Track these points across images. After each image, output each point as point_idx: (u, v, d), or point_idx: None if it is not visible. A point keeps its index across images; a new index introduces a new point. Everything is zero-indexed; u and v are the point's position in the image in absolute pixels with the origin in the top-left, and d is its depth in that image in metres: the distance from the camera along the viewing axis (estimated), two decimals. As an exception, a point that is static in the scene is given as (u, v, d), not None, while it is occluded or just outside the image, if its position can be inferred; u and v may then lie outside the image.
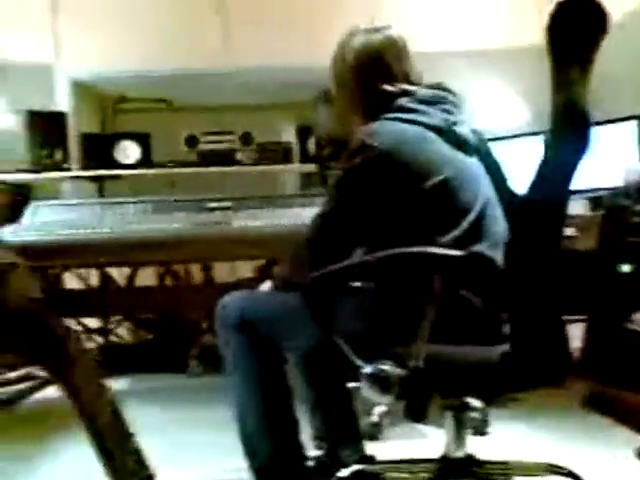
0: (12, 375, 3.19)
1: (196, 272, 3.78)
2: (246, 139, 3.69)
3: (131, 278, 3.71)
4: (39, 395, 3.17)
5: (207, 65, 3.92)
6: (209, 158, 3.63)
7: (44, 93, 3.89)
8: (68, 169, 3.57)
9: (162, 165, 3.61)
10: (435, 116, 1.44)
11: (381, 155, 1.38)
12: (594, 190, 2.59)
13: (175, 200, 2.85)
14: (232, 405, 1.60)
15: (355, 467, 1.65)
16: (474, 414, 1.50)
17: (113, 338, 3.75)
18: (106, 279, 3.67)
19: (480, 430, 2.14)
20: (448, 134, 1.44)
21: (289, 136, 3.98)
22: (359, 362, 1.32)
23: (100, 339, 3.70)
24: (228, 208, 2.80)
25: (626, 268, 2.12)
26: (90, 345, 3.52)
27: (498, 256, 1.37)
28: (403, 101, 1.45)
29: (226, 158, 3.63)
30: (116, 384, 0.86)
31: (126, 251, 2.72)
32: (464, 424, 1.47)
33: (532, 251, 1.27)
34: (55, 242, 2.57)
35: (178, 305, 3.57)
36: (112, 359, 3.46)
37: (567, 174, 1.25)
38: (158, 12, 3.95)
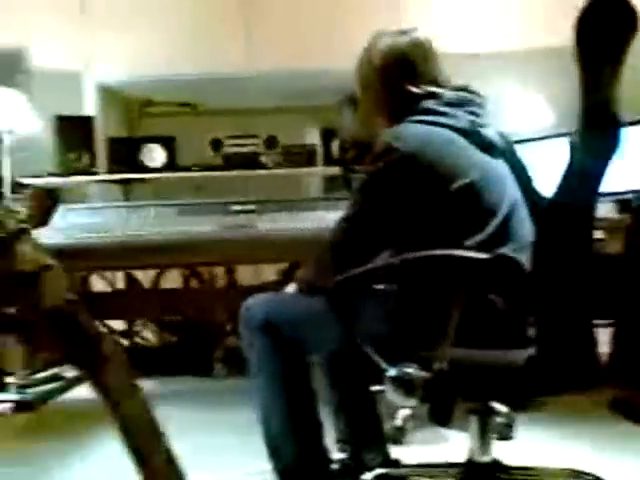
0: (41, 376, 3.25)
1: (220, 275, 3.80)
2: (270, 142, 3.70)
3: (156, 281, 3.75)
4: (68, 395, 3.23)
5: (232, 69, 3.95)
6: (233, 161, 3.65)
7: (72, 98, 3.95)
8: (95, 173, 3.62)
9: (187, 168, 3.64)
10: (461, 118, 1.44)
11: (406, 158, 1.37)
12: (622, 193, 2.56)
13: (200, 203, 2.88)
14: (256, 408, 1.60)
15: (379, 470, 1.65)
16: (499, 418, 1.49)
17: (138, 340, 3.78)
18: (132, 282, 3.71)
19: (505, 435, 2.11)
20: (474, 136, 1.44)
21: (313, 139, 3.99)
22: (383, 365, 1.32)
23: (125, 341, 3.75)
24: (252, 211, 2.82)
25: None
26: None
27: (524, 259, 1.36)
28: (429, 103, 1.45)
29: (250, 161, 3.65)
30: (141, 386, 0.87)
31: (152, 254, 2.75)
32: (489, 428, 1.46)
33: (559, 254, 1.25)
34: (82, 245, 2.61)
35: (203, 308, 3.60)
36: (137, 361, 3.49)
37: (595, 176, 1.23)
38: (183, 17, 3.99)
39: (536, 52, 3.74)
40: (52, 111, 3.62)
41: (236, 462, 2.04)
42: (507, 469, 1.47)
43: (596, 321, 1.33)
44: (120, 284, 3.75)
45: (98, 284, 3.58)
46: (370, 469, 1.67)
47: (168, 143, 3.59)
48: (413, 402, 1.31)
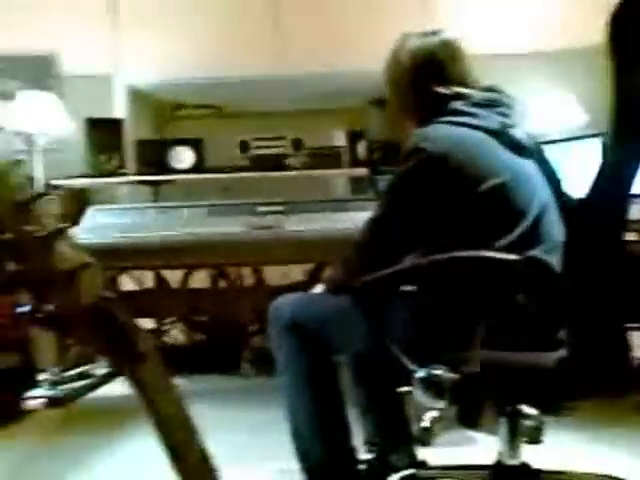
0: (72, 373, 3.30)
1: (247, 275, 3.83)
2: (297, 144, 3.72)
3: (185, 280, 3.79)
4: (97, 393, 3.28)
5: (260, 71, 3.98)
6: (261, 163, 3.67)
7: (102, 101, 4.02)
8: (125, 174, 3.67)
9: (215, 170, 3.67)
10: (490, 119, 1.43)
11: (434, 159, 1.37)
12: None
13: (228, 204, 2.90)
14: (284, 407, 1.61)
15: (407, 472, 1.64)
16: (528, 422, 1.47)
17: (167, 339, 3.83)
18: (160, 281, 3.75)
19: (534, 438, 2.09)
20: (503, 137, 1.43)
21: (339, 141, 3.99)
22: (412, 366, 1.31)
23: (154, 340, 3.79)
24: (280, 212, 2.83)
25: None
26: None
27: (554, 260, 1.35)
28: (457, 104, 1.44)
29: (277, 163, 3.67)
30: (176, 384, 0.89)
31: (180, 254, 2.78)
32: (518, 431, 1.44)
33: (591, 255, 1.24)
34: (112, 245, 2.65)
35: (230, 307, 3.63)
36: (165, 360, 3.54)
37: (628, 177, 1.21)
38: (212, 20, 4.03)
39: (567, 51, 3.70)
40: (83, 114, 3.68)
41: (263, 461, 2.06)
42: (537, 473, 1.45)
43: (629, 324, 1.31)
44: (149, 283, 3.79)
45: (127, 283, 3.63)
46: (397, 470, 1.67)
47: (196, 145, 3.62)
48: (441, 404, 1.30)
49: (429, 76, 1.49)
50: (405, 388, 1.62)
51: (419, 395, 1.31)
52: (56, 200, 2.83)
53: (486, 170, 1.37)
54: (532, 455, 1.48)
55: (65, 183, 3.45)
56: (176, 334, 3.89)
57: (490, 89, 1.50)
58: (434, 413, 2.20)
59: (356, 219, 2.75)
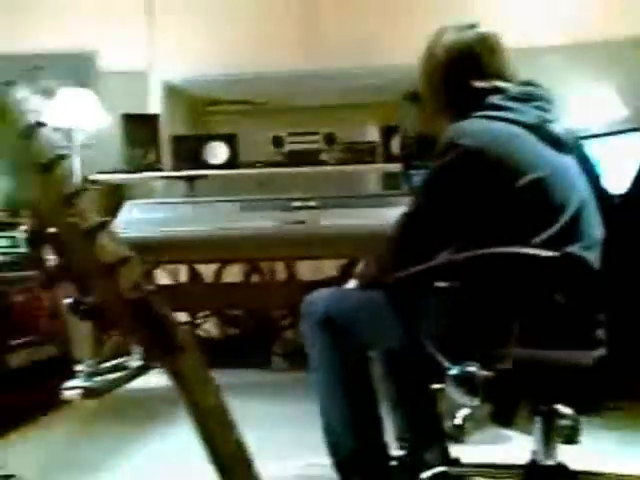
0: (108, 365, 3.37)
1: (280, 270, 3.85)
2: (330, 139, 3.71)
3: (218, 275, 3.83)
4: (132, 384, 3.34)
5: (294, 67, 3.99)
6: (294, 158, 3.68)
7: (138, 97, 4.08)
8: (160, 169, 3.72)
9: (249, 165, 3.69)
10: (528, 113, 1.41)
11: (471, 154, 1.35)
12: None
13: (261, 199, 2.91)
14: (317, 401, 1.61)
15: (438, 469, 1.63)
16: (564, 421, 1.45)
17: (200, 333, 3.87)
18: (194, 275, 3.80)
19: (570, 438, 2.06)
20: (542, 132, 1.40)
21: (373, 136, 3.98)
22: (445, 363, 1.30)
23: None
24: (313, 207, 2.83)
25: None
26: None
27: (593, 257, 1.32)
28: (494, 98, 1.42)
29: (311, 158, 3.67)
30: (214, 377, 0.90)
31: (214, 248, 2.81)
32: (554, 431, 1.42)
33: (631, 252, 1.21)
34: (148, 239, 2.69)
35: (263, 302, 3.65)
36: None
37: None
38: (246, 16, 4.05)
39: (607, 44, 3.62)
40: (119, 110, 3.74)
41: (295, 455, 2.07)
42: (573, 474, 1.43)
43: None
44: (183, 278, 3.84)
45: (162, 277, 3.69)
46: (429, 467, 1.66)
47: (230, 140, 3.65)
48: (475, 401, 1.29)
49: (465, 70, 1.47)
50: (438, 385, 1.60)
51: (452, 392, 1.30)
52: (94, 195, 2.89)
53: (524, 165, 1.35)
54: (568, 455, 1.45)
55: (102, 178, 3.51)
56: (209, 328, 3.93)
57: (528, 83, 1.48)
58: (467, 410, 2.19)
59: (389, 215, 2.72)
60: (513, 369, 1.22)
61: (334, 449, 1.59)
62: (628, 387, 1.30)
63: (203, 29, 4.06)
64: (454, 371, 1.28)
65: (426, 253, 1.40)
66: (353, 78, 4.18)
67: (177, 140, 3.75)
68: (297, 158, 3.67)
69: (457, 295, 1.36)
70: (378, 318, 1.49)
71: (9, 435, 2.37)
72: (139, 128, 3.78)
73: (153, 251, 2.73)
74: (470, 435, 2.17)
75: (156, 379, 3.37)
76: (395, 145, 3.48)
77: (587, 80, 3.56)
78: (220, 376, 0.90)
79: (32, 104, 0.75)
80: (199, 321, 3.90)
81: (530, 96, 1.44)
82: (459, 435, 2.16)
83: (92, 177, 3.39)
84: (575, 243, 1.33)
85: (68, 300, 0.75)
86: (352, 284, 1.63)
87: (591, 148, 1.54)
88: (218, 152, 3.60)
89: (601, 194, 1.47)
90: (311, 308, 1.61)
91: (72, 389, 2.96)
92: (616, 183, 1.38)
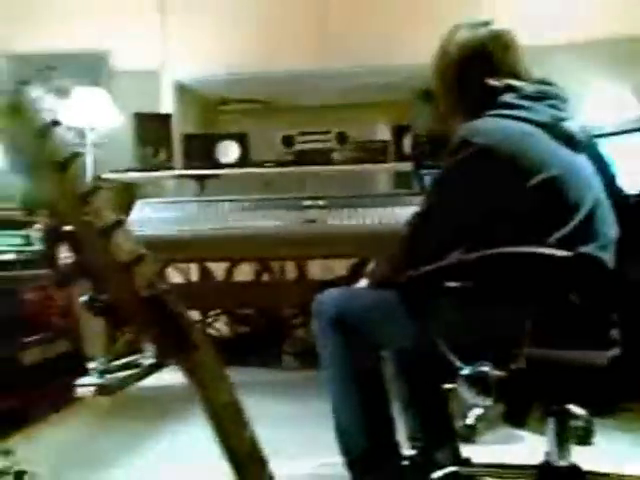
0: (120, 362, 3.39)
1: (290, 269, 3.85)
2: (341, 138, 3.71)
3: (229, 273, 3.84)
4: (144, 382, 3.36)
5: (305, 66, 3.99)
6: (305, 157, 3.68)
7: (150, 96, 4.10)
8: (171, 168, 3.73)
9: (260, 164, 3.69)
10: (541, 112, 1.40)
11: (484, 153, 1.35)
12: None
13: (272, 198, 2.92)
14: (328, 400, 1.61)
15: (450, 469, 1.63)
16: (578, 422, 1.44)
17: (211, 331, 3.88)
18: (205, 274, 3.81)
19: (584, 439, 2.04)
20: (555, 130, 1.39)
21: (384, 135, 3.97)
22: (457, 363, 1.30)
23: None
24: (323, 206, 2.83)
25: None
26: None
27: (607, 257, 1.31)
28: (507, 97, 1.41)
29: (322, 157, 3.66)
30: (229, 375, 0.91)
31: (225, 247, 2.82)
32: (567, 432, 1.41)
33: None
34: (159, 238, 2.70)
35: (273, 301, 3.65)
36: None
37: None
38: (257, 15, 4.06)
39: (621, 41, 3.59)
40: (131, 109, 3.75)
41: (306, 454, 2.07)
42: (586, 475, 1.42)
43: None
44: (194, 276, 3.85)
45: (173, 276, 3.70)
46: (440, 467, 1.66)
47: (241, 139, 3.65)
48: (487, 401, 1.28)
49: (478, 68, 1.46)
50: (449, 385, 1.60)
51: (464, 392, 1.29)
52: (109, 193, 2.90)
53: (537, 164, 1.34)
54: (582, 456, 1.44)
55: (114, 177, 3.53)
56: (220, 326, 3.94)
57: (541, 81, 1.47)
58: (478, 410, 2.18)
59: (400, 214, 2.74)
60: (526, 369, 1.21)
61: (346, 448, 1.59)
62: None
63: (215, 29, 4.08)
64: (466, 371, 1.27)
65: (438, 252, 1.39)
66: (364, 77, 4.17)
67: (188, 139, 3.76)
68: (308, 157, 3.66)
69: (470, 295, 1.36)
70: (390, 317, 1.48)
71: (22, 432, 2.38)
72: (151, 127, 3.79)
73: (164, 250, 2.73)
74: (482, 435, 2.16)
75: (168, 377, 3.38)
76: (406, 144, 3.46)
77: (602, 78, 3.53)
78: (230, 375, 0.90)
79: (46, 103, 0.75)
80: (210, 320, 3.91)
81: (544, 94, 1.43)
82: (471, 435, 2.15)
83: (104, 176, 3.41)
84: (589, 243, 1.32)
85: (83, 298, 0.76)
86: (363, 283, 1.63)
87: (605, 147, 1.52)
88: (229, 151, 3.61)
89: (615, 193, 1.45)
90: (322, 307, 1.61)
91: (85, 386, 2.98)
92: (630, 182, 1.37)
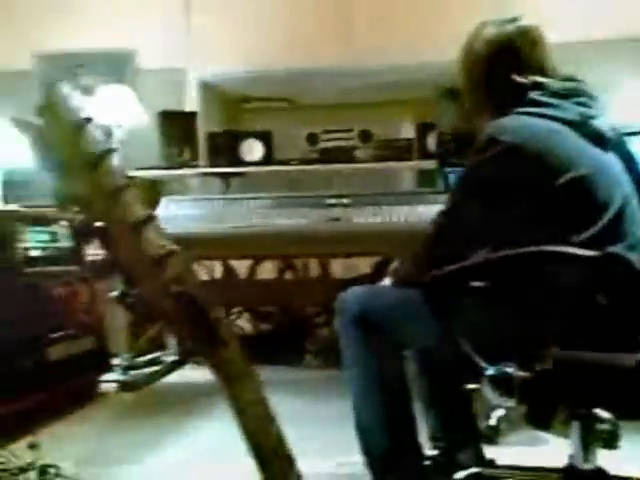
0: (144, 359, 3.42)
1: (314, 267, 3.85)
2: (365, 136, 3.69)
3: (252, 271, 3.85)
4: (167, 379, 3.39)
5: (329, 64, 3.99)
6: (329, 155, 3.67)
7: (175, 94, 4.13)
8: (196, 166, 3.75)
9: (284, 162, 3.70)
10: (570, 110, 1.38)
11: (510, 151, 1.33)
12: None
13: (296, 196, 2.92)
14: (350, 399, 1.61)
15: (473, 470, 1.61)
16: (604, 425, 1.41)
17: (233, 329, 3.90)
18: (229, 271, 3.83)
19: (610, 443, 2.01)
20: (584, 128, 1.37)
21: (408, 133, 3.94)
22: (481, 363, 1.29)
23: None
24: (347, 205, 2.83)
25: None
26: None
27: (635, 257, 1.29)
28: (535, 94, 1.40)
29: (346, 155, 3.66)
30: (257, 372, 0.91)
31: (248, 245, 2.83)
32: (592, 435, 1.39)
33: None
34: (184, 235, 2.71)
35: (296, 299, 3.66)
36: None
37: None
38: (282, 13, 4.06)
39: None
40: (156, 107, 3.78)
41: (327, 453, 2.06)
42: (612, 479, 1.40)
43: None
44: (218, 274, 3.87)
45: (197, 273, 3.72)
46: (463, 468, 1.64)
47: (265, 137, 3.66)
48: (511, 402, 1.27)
49: (505, 65, 1.44)
50: (473, 385, 1.58)
51: (488, 392, 1.28)
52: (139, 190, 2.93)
53: (565, 162, 1.32)
54: (607, 460, 1.42)
55: (139, 174, 3.56)
56: (242, 324, 3.96)
57: (569, 78, 1.45)
58: (502, 411, 2.16)
59: (424, 212, 2.72)
60: (552, 370, 1.20)
61: (367, 448, 1.58)
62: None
63: (240, 27, 4.09)
64: (490, 371, 1.26)
65: (463, 252, 1.38)
66: (389, 75, 4.15)
67: (213, 137, 3.78)
68: (332, 155, 3.66)
69: (495, 294, 1.34)
70: (413, 316, 1.48)
71: (47, 427, 2.42)
72: (176, 125, 3.81)
73: (188, 247, 2.74)
74: (505, 436, 2.14)
75: (191, 373, 3.41)
76: (431, 142, 3.44)
77: (631, 76, 3.47)
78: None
79: (75, 101, 0.76)
80: (233, 317, 3.92)
81: (572, 92, 1.41)
82: (493, 436, 2.14)
83: (130, 173, 3.44)
84: (617, 242, 1.30)
85: (114, 293, 0.77)
86: (387, 282, 1.63)
87: (635, 145, 1.50)
88: (253, 149, 3.62)
89: (645, 193, 1.43)
90: (345, 306, 1.60)
91: (108, 382, 3.02)
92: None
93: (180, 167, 3.71)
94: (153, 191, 3.53)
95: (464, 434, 1.72)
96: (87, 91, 3.44)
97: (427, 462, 1.66)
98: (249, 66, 4.11)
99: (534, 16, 1.52)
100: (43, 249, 2.80)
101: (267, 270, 3.86)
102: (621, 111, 3.04)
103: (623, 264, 1.28)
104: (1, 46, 4.10)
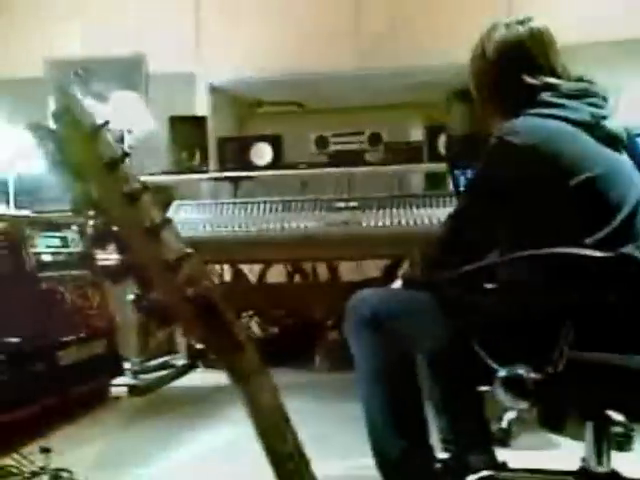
0: (154, 363, 3.43)
1: (323, 271, 3.85)
2: (375, 139, 3.70)
3: (262, 275, 3.86)
4: (177, 383, 3.39)
5: (338, 68, 3.99)
6: (339, 159, 3.68)
7: (185, 99, 4.15)
8: (206, 171, 3.77)
9: (294, 166, 3.71)
10: (581, 110, 1.37)
11: (522, 153, 1.33)
12: None
13: (305, 200, 2.92)
14: (361, 402, 1.61)
15: (484, 473, 1.60)
16: (617, 428, 1.40)
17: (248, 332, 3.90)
18: (238, 275, 3.84)
19: (624, 446, 1.99)
20: (596, 129, 1.37)
21: (417, 136, 3.95)
22: (493, 365, 1.28)
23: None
24: (356, 208, 2.83)
25: None
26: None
27: (649, 259, 1.28)
28: (546, 95, 1.39)
29: (355, 158, 3.66)
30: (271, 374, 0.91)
31: (257, 249, 2.84)
32: (606, 438, 1.38)
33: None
34: (194, 239, 2.72)
35: (305, 302, 3.66)
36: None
37: None
38: (292, 18, 4.08)
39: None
40: (166, 112, 3.80)
41: (338, 456, 2.06)
42: (627, 482, 1.39)
43: None
44: (227, 278, 3.88)
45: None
46: (474, 471, 1.63)
47: (275, 141, 3.67)
48: (523, 405, 1.26)
49: (516, 66, 1.44)
50: (484, 387, 1.58)
51: (500, 395, 1.27)
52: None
53: (577, 164, 1.32)
54: (621, 463, 1.41)
55: (150, 179, 3.58)
56: (252, 328, 3.96)
57: (581, 79, 1.44)
58: (513, 414, 2.15)
59: (433, 215, 2.72)
60: (565, 372, 1.19)
61: (378, 450, 1.58)
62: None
63: (249, 31, 4.11)
64: (503, 373, 1.25)
65: (474, 254, 1.38)
66: (398, 78, 4.15)
67: (223, 142, 3.80)
68: (341, 158, 3.67)
69: (507, 296, 1.34)
70: (424, 318, 1.47)
71: (59, 430, 2.43)
72: (186, 130, 3.83)
73: (198, 251, 2.76)
74: (516, 439, 2.13)
75: (201, 377, 3.42)
76: (440, 145, 3.44)
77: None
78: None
79: (87, 107, 0.77)
80: (243, 321, 3.93)
81: (583, 92, 1.41)
82: (505, 439, 2.13)
83: (140, 178, 3.46)
84: (630, 243, 1.29)
85: (130, 296, 0.77)
86: (398, 284, 1.62)
87: (646, 146, 1.49)
88: (263, 153, 3.63)
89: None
90: (357, 308, 1.60)
91: (119, 386, 3.03)
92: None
93: (190, 172, 3.72)
94: (163, 196, 3.55)
95: (476, 437, 1.71)
96: (97, 97, 3.46)
97: (438, 465, 1.65)
98: (259, 70, 4.12)
99: (543, 17, 1.52)
100: (54, 254, 2.82)
101: (277, 274, 3.87)
102: (631, 112, 3.03)
103: (636, 265, 1.27)
104: (12, 53, 4.14)
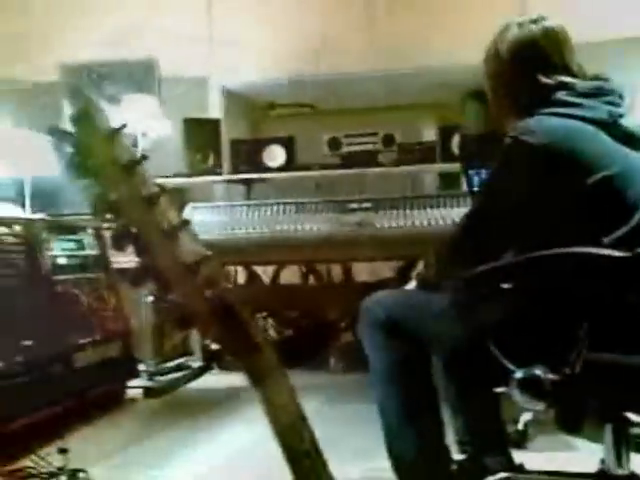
0: (169, 365, 3.45)
1: (337, 272, 3.85)
2: (388, 140, 3.69)
3: (276, 276, 3.86)
4: (192, 384, 3.41)
5: (351, 69, 3.99)
6: (351, 160, 3.68)
7: (198, 102, 4.17)
8: (220, 173, 3.78)
9: (306, 167, 3.71)
10: (598, 109, 1.36)
11: (537, 152, 1.32)
12: None
13: (318, 201, 2.93)
14: (376, 404, 1.60)
15: (501, 475, 1.59)
16: (637, 429, 1.39)
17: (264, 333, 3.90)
18: (252, 277, 3.84)
19: (642, 448, 1.97)
20: (612, 128, 1.35)
21: (431, 136, 3.94)
22: (510, 366, 1.27)
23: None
24: (369, 209, 2.83)
25: None
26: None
27: (668, 258, 1.27)
28: (561, 94, 1.38)
29: (368, 159, 3.66)
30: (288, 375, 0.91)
31: (271, 250, 2.84)
32: (625, 440, 1.37)
33: None
34: (208, 241, 2.72)
35: (319, 304, 3.66)
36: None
37: None
38: (305, 19, 4.08)
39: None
40: (180, 115, 3.82)
41: (354, 458, 2.05)
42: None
43: None
44: (241, 279, 3.89)
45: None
46: (490, 472, 1.62)
47: (288, 143, 3.68)
48: (540, 406, 1.25)
49: (530, 65, 1.43)
50: (500, 388, 1.57)
51: (517, 396, 1.26)
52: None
53: (593, 163, 1.31)
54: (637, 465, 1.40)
55: (164, 182, 3.59)
56: (266, 329, 3.97)
57: (596, 77, 1.43)
58: (529, 415, 2.13)
59: (447, 215, 2.71)
60: (582, 373, 1.18)
61: (394, 452, 1.57)
62: None
63: (261, 34, 4.12)
64: (519, 374, 1.24)
65: (490, 254, 1.37)
66: (411, 79, 4.15)
67: (236, 144, 3.81)
68: (354, 160, 3.66)
69: (524, 296, 1.33)
70: (440, 319, 1.47)
71: (76, 431, 2.45)
72: (200, 133, 3.85)
73: (213, 253, 2.77)
74: (533, 441, 2.11)
75: (216, 379, 3.43)
76: (453, 145, 3.43)
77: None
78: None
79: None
80: (259, 323, 3.93)
81: (599, 90, 1.39)
82: (522, 440, 2.11)
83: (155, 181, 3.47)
84: (649, 242, 1.28)
85: (149, 299, 0.78)
86: (412, 285, 1.62)
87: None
88: (276, 155, 3.64)
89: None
90: (371, 309, 1.60)
91: (135, 388, 3.04)
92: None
93: (204, 174, 3.74)
94: (177, 198, 3.57)
95: (492, 438, 1.70)
96: (112, 100, 3.49)
97: (454, 467, 1.65)
98: (272, 73, 4.13)
99: (557, 15, 1.51)
100: (70, 257, 2.84)
101: (290, 275, 3.87)
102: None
103: (654, 264, 1.26)
104: (27, 58, 4.18)
